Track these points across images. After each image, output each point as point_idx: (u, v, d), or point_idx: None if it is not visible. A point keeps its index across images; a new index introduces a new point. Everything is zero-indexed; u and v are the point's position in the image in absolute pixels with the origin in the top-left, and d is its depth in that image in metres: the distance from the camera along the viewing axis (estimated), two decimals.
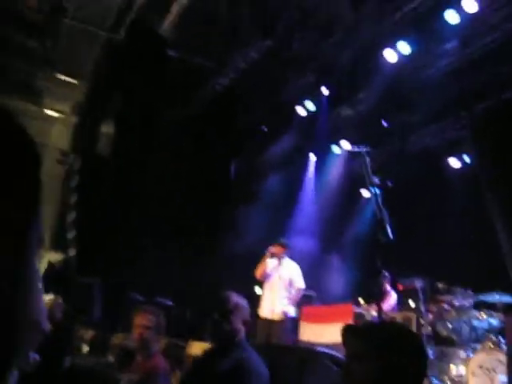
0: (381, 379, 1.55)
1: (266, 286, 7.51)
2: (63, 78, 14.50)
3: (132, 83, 10.95)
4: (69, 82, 14.86)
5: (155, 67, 10.70)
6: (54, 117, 17.02)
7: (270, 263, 7.46)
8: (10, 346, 0.67)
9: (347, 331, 1.69)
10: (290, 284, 7.43)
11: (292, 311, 7.41)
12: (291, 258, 7.74)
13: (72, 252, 11.99)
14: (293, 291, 7.43)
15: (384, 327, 1.75)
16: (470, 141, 8.53)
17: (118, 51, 11.72)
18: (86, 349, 7.11)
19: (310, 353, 2.99)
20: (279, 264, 7.46)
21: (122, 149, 10.83)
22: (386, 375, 1.54)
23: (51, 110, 16.73)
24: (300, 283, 7.50)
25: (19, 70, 13.97)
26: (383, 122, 10.46)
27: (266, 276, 7.44)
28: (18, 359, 1.27)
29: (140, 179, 10.44)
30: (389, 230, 3.08)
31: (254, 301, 7.42)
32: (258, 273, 7.47)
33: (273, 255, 7.44)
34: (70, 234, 12.72)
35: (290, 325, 7.59)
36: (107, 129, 12.56)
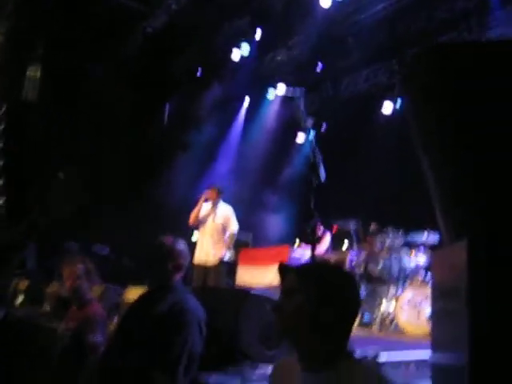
0: (310, 312, 1.58)
1: (201, 231, 7.48)
2: None
3: (57, 25, 10.41)
4: None
5: (82, 7, 10.18)
6: None
7: (203, 208, 7.41)
8: None
9: (281, 269, 1.72)
10: (224, 228, 7.42)
11: (227, 255, 7.44)
12: (226, 202, 7.72)
13: (1, 200, 11.60)
14: (227, 235, 7.44)
15: (316, 264, 1.79)
16: (400, 85, 8.69)
17: None
18: (21, 299, 6.96)
19: (245, 294, 3.04)
20: (213, 208, 7.43)
21: (49, 93, 10.38)
22: (315, 308, 1.57)
23: None
24: (234, 227, 7.50)
25: None
26: (318, 64, 10.46)
27: (199, 221, 7.41)
28: None
29: (68, 124, 10.09)
30: (322, 173, 3.11)
31: (192, 249, 7.43)
32: (192, 218, 7.41)
33: (207, 200, 7.40)
34: None
35: (226, 269, 7.65)
36: (33, 72, 11.99)
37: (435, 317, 2.41)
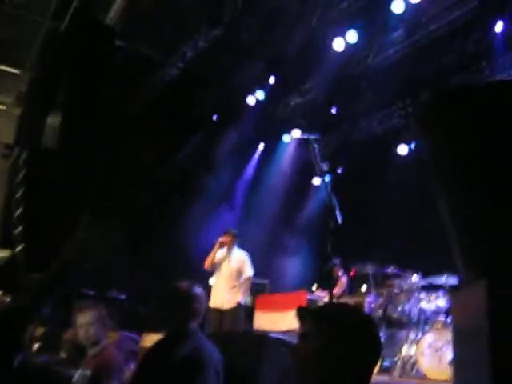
0: (326, 356, 1.56)
1: (216, 275, 7.50)
2: (4, 68, 14.05)
3: (77, 73, 10.68)
4: (11, 73, 14.41)
5: (101, 57, 10.46)
6: None
7: (219, 253, 7.45)
8: None
9: (299, 312, 1.71)
10: (240, 273, 7.42)
11: (243, 300, 7.41)
12: (240, 247, 7.74)
13: (19, 247, 11.68)
14: (242, 280, 7.43)
15: (333, 308, 1.77)
16: (414, 127, 8.74)
17: (62, 40, 11.42)
18: (37, 346, 6.95)
19: (263, 339, 3.00)
20: (228, 253, 7.45)
21: (69, 140, 10.57)
22: (330, 352, 1.55)
23: None
24: (249, 272, 7.50)
25: None
26: (333, 108, 10.57)
27: (214, 266, 7.43)
28: None
29: (87, 171, 10.22)
30: (338, 215, 3.12)
31: (209, 292, 7.41)
32: (207, 263, 7.45)
33: (222, 245, 7.43)
34: (17, 230, 12.38)
35: (242, 313, 7.60)
36: (52, 120, 12.25)
37: (456, 362, 2.35)
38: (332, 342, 1.56)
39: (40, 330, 7.11)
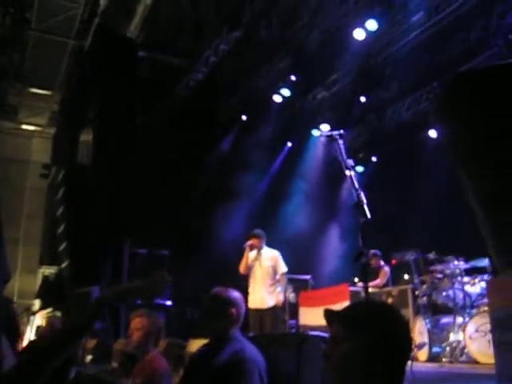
0: (359, 360, 1.57)
1: (252, 277, 7.53)
2: (36, 90, 14.42)
3: (105, 88, 10.90)
4: (42, 94, 14.78)
5: (126, 69, 10.65)
6: (32, 131, 16.93)
7: (250, 255, 7.51)
8: None
9: (327, 315, 1.72)
10: (274, 271, 7.46)
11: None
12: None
13: (65, 263, 12.00)
14: (277, 277, 7.46)
15: (363, 309, 1.77)
16: (435, 114, 8.59)
17: (88, 57, 11.66)
18: (89, 358, 7.13)
19: (303, 337, 3.03)
20: (259, 254, 7.51)
21: (102, 155, 10.78)
22: (364, 355, 1.56)
23: (28, 124, 16.63)
24: (283, 268, 7.52)
25: None
26: (361, 98, 10.50)
27: (248, 269, 7.48)
28: None
29: (121, 183, 10.41)
30: (366, 210, 3.12)
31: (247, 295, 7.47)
32: (241, 268, 7.53)
33: (252, 247, 7.48)
34: (61, 246, 12.72)
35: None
36: (85, 136, 12.51)
37: (496, 347, 2.35)
38: (363, 344, 1.56)
39: (92, 343, 7.29)
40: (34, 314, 12.16)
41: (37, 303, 12.50)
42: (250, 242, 7.44)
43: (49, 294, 12.38)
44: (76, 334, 1.53)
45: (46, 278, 13.91)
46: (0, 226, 0.81)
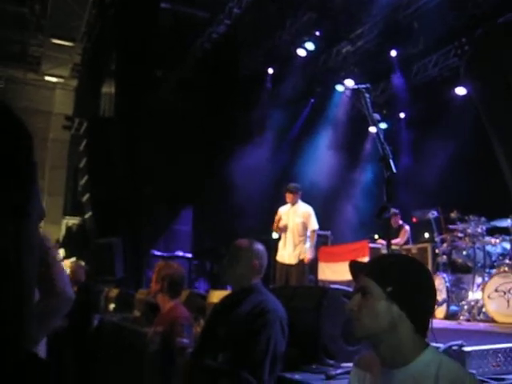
0: (387, 311, 1.59)
1: (282, 232, 7.56)
2: (58, 42, 14.37)
3: (127, 39, 10.81)
4: (64, 46, 14.74)
5: (148, 21, 10.52)
6: (55, 82, 16.97)
7: (283, 208, 7.51)
8: (18, 320, 0.73)
9: (353, 267, 1.73)
10: (305, 227, 7.46)
11: (310, 254, 7.46)
12: (304, 200, 7.75)
13: (88, 214, 12.19)
14: (308, 233, 7.47)
15: (390, 261, 1.78)
16: (465, 70, 8.34)
17: (110, 8, 11.54)
18: (112, 306, 7.30)
19: (324, 291, 3.06)
20: (292, 209, 7.50)
21: (124, 107, 10.78)
22: (391, 307, 1.58)
23: (51, 75, 16.67)
24: (314, 225, 7.52)
25: (13, 39, 13.84)
26: (388, 53, 10.25)
27: (282, 226, 7.48)
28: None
29: (144, 135, 10.43)
30: (392, 165, 3.09)
31: (272, 246, 7.52)
32: (275, 227, 7.53)
33: (285, 203, 7.48)
34: (84, 197, 12.90)
35: (308, 267, 7.69)
36: (108, 88, 12.51)
37: None
38: (393, 298, 1.59)
39: (114, 292, 7.45)
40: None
41: (61, 252, 12.78)
42: (282, 224, 7.40)
43: (72, 243, 12.65)
44: None
45: (69, 228, 14.19)
46: (34, 163, 0.81)
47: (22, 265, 0.71)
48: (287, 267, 7.34)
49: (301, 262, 7.33)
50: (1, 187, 0.70)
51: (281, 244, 7.50)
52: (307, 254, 7.36)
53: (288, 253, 7.36)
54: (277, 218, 7.49)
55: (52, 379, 0.99)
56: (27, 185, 0.76)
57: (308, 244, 7.41)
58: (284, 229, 7.42)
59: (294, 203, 7.49)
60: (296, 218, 7.45)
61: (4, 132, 0.74)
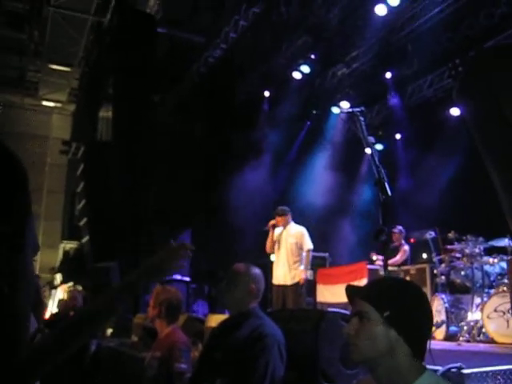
0: (383, 335, 1.59)
1: (276, 253, 7.55)
2: (55, 67, 14.50)
3: (124, 64, 10.90)
4: (62, 71, 14.87)
5: (145, 46, 10.63)
6: (52, 107, 17.08)
7: (276, 231, 7.51)
8: (16, 348, 0.73)
9: (350, 291, 1.74)
10: (300, 248, 7.45)
11: (308, 274, 7.45)
12: (302, 221, 7.76)
13: (85, 238, 12.17)
14: (303, 254, 7.45)
15: (387, 285, 1.78)
16: (457, 91, 8.39)
17: (107, 34, 11.66)
18: (109, 331, 7.27)
19: (322, 314, 3.06)
20: (285, 230, 7.50)
21: (121, 131, 10.83)
22: (388, 331, 1.59)
23: (48, 100, 16.79)
24: (309, 245, 7.51)
25: (11, 65, 13.96)
26: (384, 74, 10.34)
27: (273, 246, 7.49)
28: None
29: (141, 159, 10.45)
30: (387, 188, 3.11)
31: (269, 269, 7.49)
32: (268, 248, 7.54)
33: (275, 227, 7.47)
34: (82, 222, 12.89)
35: (305, 288, 7.66)
36: (105, 112, 12.59)
37: None
38: (389, 322, 1.59)
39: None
40: (55, 287, 12.38)
41: (58, 277, 12.73)
42: (271, 223, 7.46)
43: (70, 268, 12.60)
44: (102, 316, 1.54)
45: (66, 253, 14.17)
46: (28, 195, 0.82)
47: (17, 300, 0.72)
48: (283, 289, 7.31)
49: (297, 283, 7.32)
50: None
51: (275, 265, 7.48)
52: (302, 275, 7.35)
53: (283, 273, 7.33)
54: (269, 237, 7.50)
55: None
56: (22, 218, 0.77)
57: (303, 266, 7.40)
58: (276, 243, 7.43)
59: (285, 225, 7.49)
60: (289, 239, 7.45)
61: None
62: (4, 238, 0.71)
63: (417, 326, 1.62)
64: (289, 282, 7.30)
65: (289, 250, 7.41)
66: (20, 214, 0.76)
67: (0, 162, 0.75)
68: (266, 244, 7.63)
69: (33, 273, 0.81)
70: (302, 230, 7.55)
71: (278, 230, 7.53)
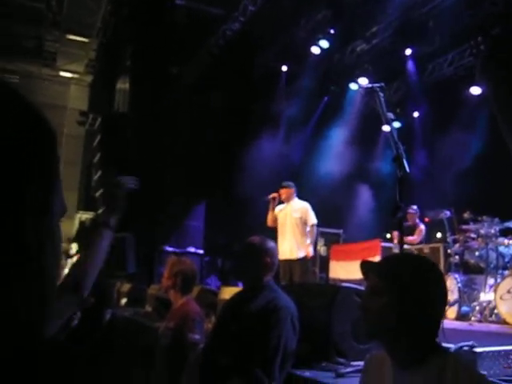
0: (395, 312, 1.59)
1: (281, 229, 7.51)
2: (73, 37, 14.48)
3: (141, 36, 10.85)
4: (80, 42, 14.85)
5: (163, 17, 10.56)
6: (69, 78, 17.10)
7: (279, 207, 7.48)
8: (41, 312, 0.74)
9: (364, 267, 1.73)
10: (304, 223, 7.42)
11: (311, 249, 7.43)
12: (311, 196, 7.73)
13: (101, 209, 12.24)
14: (308, 228, 7.43)
15: (400, 261, 1.78)
16: (481, 66, 8.25)
17: (125, 5, 11.58)
18: (124, 301, 7.34)
19: (336, 289, 3.07)
20: (288, 205, 7.47)
21: (138, 103, 10.81)
22: (400, 307, 1.58)
23: (66, 71, 16.80)
24: (313, 220, 7.48)
25: (29, 35, 13.96)
26: (403, 51, 10.19)
27: (276, 221, 7.46)
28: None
29: (158, 131, 10.44)
30: (406, 164, 3.09)
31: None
32: (268, 221, 7.50)
33: (275, 199, 7.42)
34: (98, 193, 12.99)
35: (311, 263, 7.66)
36: (122, 84, 12.57)
37: None
38: (402, 299, 1.58)
39: (126, 286, 7.49)
40: (71, 257, 12.54)
41: (74, 247, 12.87)
42: (272, 195, 7.42)
43: (85, 238, 12.72)
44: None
45: (82, 223, 14.30)
46: (57, 158, 0.82)
47: (44, 263, 0.73)
48: (290, 263, 7.29)
49: (304, 258, 7.31)
50: (24, 183, 0.71)
51: (280, 241, 7.42)
52: (309, 249, 7.35)
53: (289, 248, 7.29)
54: (270, 210, 7.46)
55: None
56: (50, 181, 0.77)
57: (308, 240, 7.38)
58: (279, 219, 7.40)
59: (288, 200, 7.46)
60: (293, 214, 7.41)
61: (28, 127, 0.76)
62: (32, 199, 0.71)
63: (431, 302, 1.61)
64: (295, 256, 7.29)
65: (294, 225, 7.38)
66: (48, 175, 0.77)
67: (30, 123, 0.76)
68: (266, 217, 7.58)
69: (60, 235, 0.82)
70: (306, 205, 7.52)
71: (280, 206, 7.50)
